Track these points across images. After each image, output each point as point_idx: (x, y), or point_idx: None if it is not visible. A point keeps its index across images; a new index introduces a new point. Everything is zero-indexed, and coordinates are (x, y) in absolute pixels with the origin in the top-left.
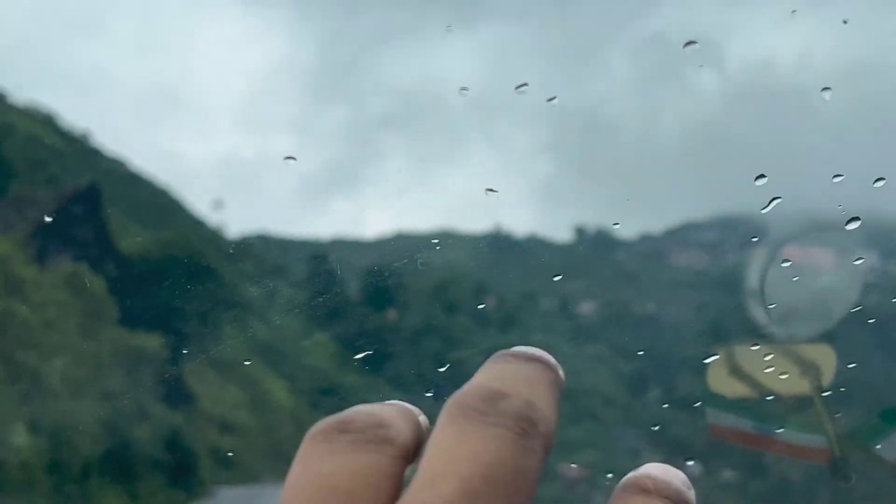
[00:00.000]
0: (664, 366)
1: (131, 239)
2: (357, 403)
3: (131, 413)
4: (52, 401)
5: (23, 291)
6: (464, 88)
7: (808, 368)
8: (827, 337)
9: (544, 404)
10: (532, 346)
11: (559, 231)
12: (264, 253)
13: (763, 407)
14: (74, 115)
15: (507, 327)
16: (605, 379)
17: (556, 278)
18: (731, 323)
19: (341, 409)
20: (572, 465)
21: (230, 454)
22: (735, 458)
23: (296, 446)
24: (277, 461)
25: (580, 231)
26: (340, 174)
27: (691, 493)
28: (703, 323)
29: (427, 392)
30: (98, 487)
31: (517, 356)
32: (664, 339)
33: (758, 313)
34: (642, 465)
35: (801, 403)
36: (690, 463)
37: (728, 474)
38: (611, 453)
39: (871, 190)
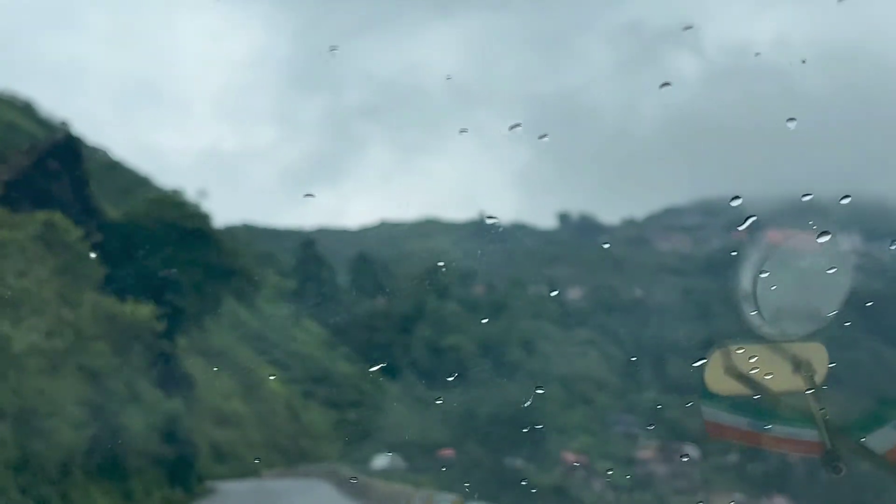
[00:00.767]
0: (654, 351)
1: (115, 204)
2: (349, 392)
3: (120, 397)
4: (24, 378)
5: None
6: (448, 77)
7: (801, 365)
8: (819, 333)
9: None
10: (522, 332)
11: (542, 218)
12: (251, 242)
13: (757, 403)
14: (54, 105)
15: (497, 313)
16: (596, 364)
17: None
18: (717, 307)
19: (334, 397)
20: (569, 451)
21: (226, 446)
22: (734, 443)
23: (290, 436)
24: (273, 452)
25: (563, 217)
26: (322, 165)
27: None
28: (691, 307)
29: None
30: (81, 489)
31: None
32: (653, 324)
33: (751, 315)
34: (639, 451)
35: (794, 399)
36: (685, 459)
37: (726, 458)
38: (606, 439)
39: (848, 171)
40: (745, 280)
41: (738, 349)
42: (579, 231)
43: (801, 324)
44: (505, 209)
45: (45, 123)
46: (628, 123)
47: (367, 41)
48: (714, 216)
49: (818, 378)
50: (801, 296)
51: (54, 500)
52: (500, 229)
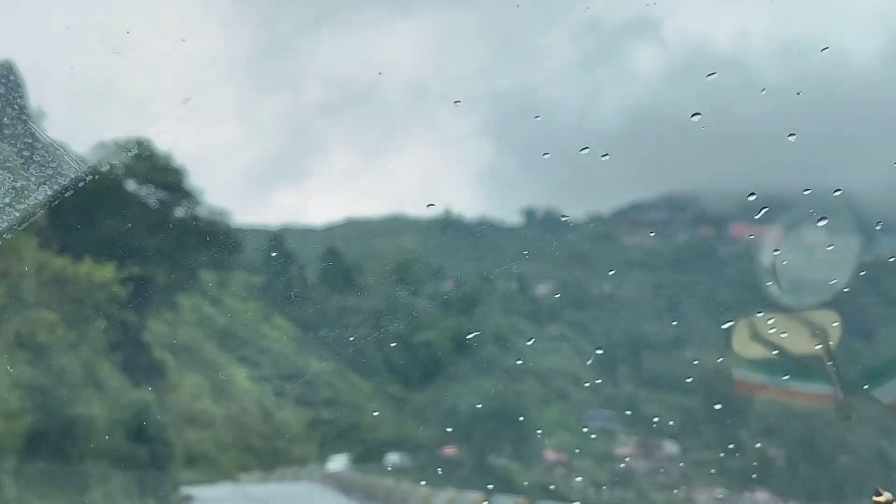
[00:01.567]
0: (627, 345)
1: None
2: (322, 390)
3: (73, 381)
4: None
5: None
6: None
7: (816, 330)
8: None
9: None
10: (494, 327)
11: (508, 214)
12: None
13: (779, 363)
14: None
15: (468, 309)
16: (569, 358)
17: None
18: (688, 300)
19: (306, 396)
20: (549, 449)
21: (198, 449)
22: (710, 436)
23: (263, 436)
24: (247, 454)
25: (529, 213)
26: (284, 164)
27: None
28: (661, 301)
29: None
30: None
31: None
32: (624, 319)
33: (772, 286)
34: (618, 448)
35: (810, 360)
36: (670, 442)
37: (705, 452)
38: (584, 435)
39: (812, 165)
40: (764, 258)
41: (762, 317)
42: (545, 227)
43: (813, 294)
44: (470, 206)
45: None
46: (590, 119)
47: (325, 39)
48: (680, 211)
49: (831, 341)
50: (812, 270)
51: None
52: (466, 225)
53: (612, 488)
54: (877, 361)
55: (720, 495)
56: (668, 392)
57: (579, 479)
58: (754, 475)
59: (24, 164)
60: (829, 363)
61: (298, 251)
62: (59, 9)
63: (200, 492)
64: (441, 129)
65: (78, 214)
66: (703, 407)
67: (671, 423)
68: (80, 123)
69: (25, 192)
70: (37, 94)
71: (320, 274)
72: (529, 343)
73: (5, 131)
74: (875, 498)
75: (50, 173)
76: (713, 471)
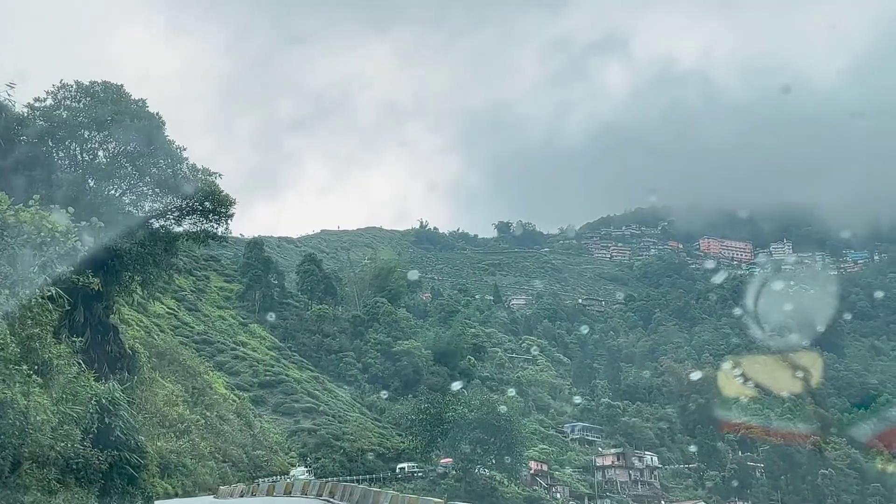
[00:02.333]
0: (601, 357)
1: None
2: (298, 396)
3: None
4: None
5: None
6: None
7: (799, 371)
8: (814, 344)
9: None
10: (472, 336)
11: (481, 228)
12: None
13: (763, 403)
14: None
15: (446, 319)
16: (546, 369)
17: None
18: (661, 314)
19: (284, 404)
20: (531, 460)
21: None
22: (691, 448)
23: (241, 445)
24: (225, 463)
25: (501, 227)
26: (258, 177)
27: None
28: (634, 313)
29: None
30: None
31: None
32: (597, 330)
33: (754, 328)
34: (600, 456)
35: (793, 399)
36: (650, 454)
37: (684, 465)
38: (564, 446)
39: (776, 180)
40: (748, 299)
41: (746, 359)
42: (517, 240)
43: (795, 335)
44: (442, 219)
45: None
46: (558, 134)
47: (300, 55)
48: (649, 225)
49: (815, 381)
50: (794, 311)
51: None
52: (441, 238)
53: (592, 501)
54: (856, 402)
55: None
56: (644, 403)
57: (559, 488)
58: (731, 487)
59: None
60: (814, 404)
61: (275, 260)
62: (39, 27)
63: None
64: (412, 144)
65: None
66: (679, 416)
67: (646, 434)
68: None
69: None
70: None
71: (298, 282)
72: (509, 354)
73: None
74: None
75: None
76: (690, 483)
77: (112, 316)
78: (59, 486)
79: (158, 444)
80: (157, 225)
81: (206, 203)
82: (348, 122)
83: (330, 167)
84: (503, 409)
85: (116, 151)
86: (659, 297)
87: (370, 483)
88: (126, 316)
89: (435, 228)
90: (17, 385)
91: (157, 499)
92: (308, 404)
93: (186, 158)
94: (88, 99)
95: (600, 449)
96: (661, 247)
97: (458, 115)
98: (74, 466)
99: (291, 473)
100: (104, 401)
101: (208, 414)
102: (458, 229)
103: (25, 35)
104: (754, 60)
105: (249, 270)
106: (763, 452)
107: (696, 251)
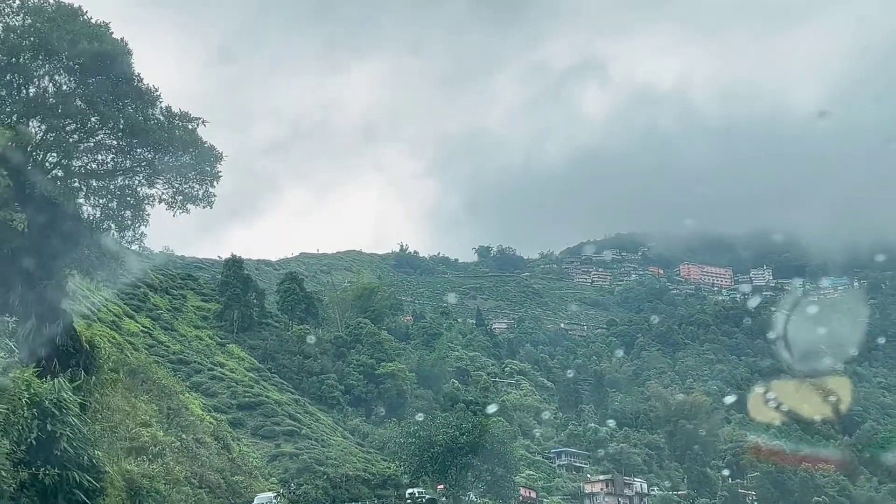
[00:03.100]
0: (587, 382)
1: None
2: (279, 419)
3: None
4: None
5: None
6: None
7: (828, 396)
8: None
9: None
10: (455, 360)
11: (461, 252)
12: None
13: (793, 428)
14: None
15: (428, 342)
16: (530, 394)
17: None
18: (644, 339)
19: (264, 427)
20: (521, 486)
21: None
22: (680, 474)
23: (218, 470)
24: (200, 489)
25: (482, 251)
26: (235, 200)
27: None
28: (617, 337)
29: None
30: None
31: None
32: (580, 355)
33: (784, 353)
34: (588, 483)
35: (823, 424)
36: (640, 481)
37: (676, 490)
38: (551, 472)
39: (755, 206)
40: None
41: (777, 384)
42: (498, 264)
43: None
44: (422, 243)
45: None
46: (536, 159)
47: (278, 80)
48: (629, 250)
49: (843, 406)
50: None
51: None
52: (421, 261)
53: None
54: (884, 428)
55: None
56: (631, 428)
57: None
58: None
59: None
60: (842, 428)
61: (254, 281)
62: None
63: None
64: (390, 168)
65: None
66: (667, 442)
67: (634, 460)
68: None
69: None
70: None
71: (278, 304)
72: (492, 378)
73: None
74: None
75: None
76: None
77: (64, 300)
78: None
79: (125, 465)
80: (121, 183)
81: (186, 157)
82: (326, 146)
83: (308, 191)
84: (496, 431)
85: (69, 87)
86: (641, 321)
87: None
88: (95, 328)
89: (415, 252)
90: None
91: None
92: (289, 427)
93: (160, 99)
94: (34, 17)
95: (588, 476)
96: (641, 272)
97: (436, 139)
98: (2, 489)
99: (255, 501)
100: (47, 402)
101: (184, 436)
102: (438, 253)
103: None
104: (733, 87)
105: (228, 289)
106: (754, 479)
107: (677, 276)
